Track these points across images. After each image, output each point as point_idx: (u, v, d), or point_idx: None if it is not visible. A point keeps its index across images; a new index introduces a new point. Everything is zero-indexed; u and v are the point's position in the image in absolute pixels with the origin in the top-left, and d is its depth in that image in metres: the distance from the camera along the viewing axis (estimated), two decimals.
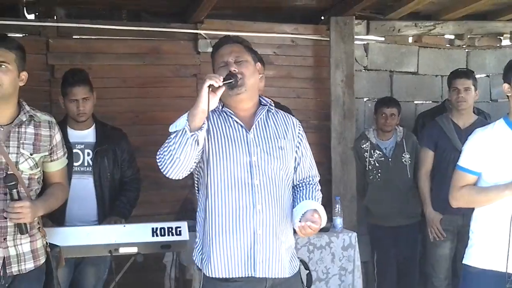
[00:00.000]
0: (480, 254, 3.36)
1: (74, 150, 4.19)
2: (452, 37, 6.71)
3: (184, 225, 3.80)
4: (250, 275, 2.81)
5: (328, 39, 5.90)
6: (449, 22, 6.50)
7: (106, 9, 5.59)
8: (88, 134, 4.27)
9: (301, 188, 3.00)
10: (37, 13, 5.41)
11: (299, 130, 3.02)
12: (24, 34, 5.34)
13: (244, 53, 2.90)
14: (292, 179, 2.98)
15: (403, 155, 5.30)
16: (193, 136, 2.59)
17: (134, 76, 5.54)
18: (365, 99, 6.28)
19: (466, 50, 6.69)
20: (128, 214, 4.30)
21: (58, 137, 3.24)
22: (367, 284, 5.23)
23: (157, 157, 2.74)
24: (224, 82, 2.68)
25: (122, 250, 3.65)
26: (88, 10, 5.54)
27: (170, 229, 3.75)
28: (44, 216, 3.92)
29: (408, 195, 5.22)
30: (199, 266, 2.91)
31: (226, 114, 2.88)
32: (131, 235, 3.68)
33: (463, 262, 3.47)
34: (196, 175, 2.92)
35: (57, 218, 4.03)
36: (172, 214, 5.12)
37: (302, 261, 3.41)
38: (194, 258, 2.97)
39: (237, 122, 2.87)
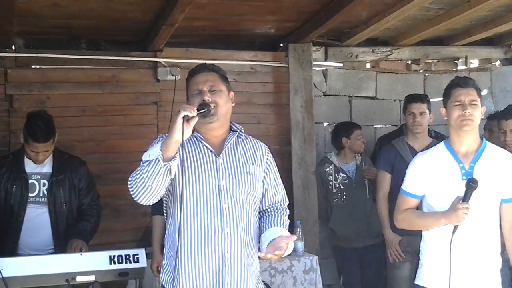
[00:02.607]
0: (428, 274, 3.49)
1: (30, 181, 4.19)
2: (409, 62, 6.85)
3: (141, 252, 3.75)
4: None
5: (287, 65, 5.99)
6: (405, 47, 6.65)
7: (65, 38, 5.59)
8: (45, 164, 4.25)
9: (269, 214, 3.05)
10: None
11: (268, 156, 3.08)
12: None
13: (219, 82, 2.96)
14: (258, 204, 3.03)
15: (364, 167, 5.41)
16: (165, 166, 2.65)
17: (94, 104, 5.54)
18: (325, 124, 6.36)
19: (423, 75, 6.82)
20: (89, 237, 4.29)
21: None
22: None
23: (129, 183, 2.78)
24: (198, 113, 2.73)
25: (79, 279, 3.58)
26: (47, 40, 5.54)
27: (127, 257, 3.69)
28: None
29: (371, 216, 5.29)
30: (165, 287, 2.95)
31: (197, 139, 2.94)
32: (88, 263, 3.62)
33: (415, 282, 3.56)
34: (165, 199, 2.96)
35: (9, 246, 4.07)
36: (134, 241, 5.09)
37: (265, 284, 3.43)
38: (161, 279, 3.00)
39: (207, 147, 2.93)
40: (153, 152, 2.68)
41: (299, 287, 4.72)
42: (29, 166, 4.21)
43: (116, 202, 5.45)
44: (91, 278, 3.61)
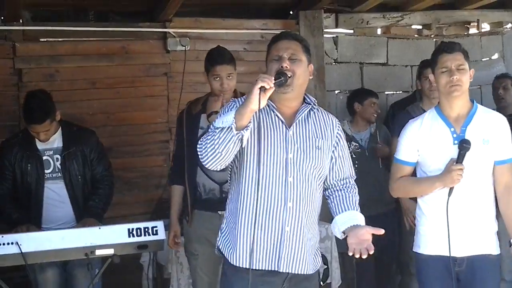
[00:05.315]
0: (425, 241, 3.52)
1: (44, 158, 4.19)
2: (420, 27, 6.77)
3: (160, 225, 3.77)
4: (273, 269, 2.86)
5: (298, 33, 5.90)
6: (416, 12, 6.56)
7: (72, 10, 5.52)
8: (55, 139, 4.23)
9: (340, 193, 3.01)
10: (2, 17, 5.32)
11: (338, 130, 3.02)
12: None
13: (300, 52, 2.88)
14: (324, 179, 2.98)
15: (377, 145, 5.34)
16: (238, 135, 2.62)
17: (103, 77, 5.48)
18: (336, 92, 6.31)
19: (434, 40, 6.74)
20: (102, 213, 4.28)
21: None
22: (345, 274, 5.25)
23: (199, 147, 2.75)
24: (275, 82, 2.67)
25: (98, 252, 3.61)
26: (54, 12, 5.48)
27: (146, 229, 3.71)
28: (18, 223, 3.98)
29: (383, 184, 5.24)
30: (222, 251, 2.95)
31: (269, 107, 2.88)
32: (107, 237, 3.63)
33: (413, 250, 3.61)
34: (230, 165, 2.93)
35: (33, 223, 4.07)
36: (147, 214, 5.09)
37: (322, 255, 3.43)
38: (218, 243, 3.00)
39: (278, 118, 2.88)
40: (226, 120, 2.64)
41: None
42: (41, 144, 4.20)
43: (128, 175, 5.44)
44: (110, 251, 3.63)
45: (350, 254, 2.75)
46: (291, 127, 2.88)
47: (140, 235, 3.69)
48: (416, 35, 6.77)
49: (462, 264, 3.40)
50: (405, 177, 3.56)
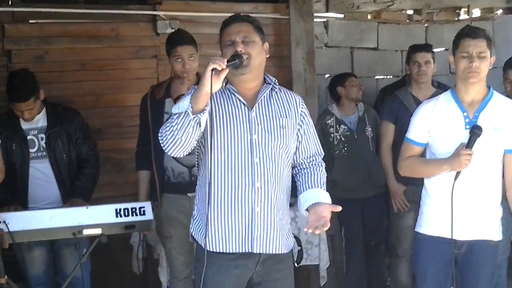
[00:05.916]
0: (428, 222, 3.54)
1: (29, 137, 4.20)
2: (411, 12, 6.77)
3: (148, 205, 3.79)
4: (246, 251, 2.88)
5: (288, 17, 5.89)
6: None
7: None
8: (39, 119, 4.24)
9: (306, 171, 3.03)
10: None
11: (302, 108, 3.04)
12: None
13: (253, 33, 2.88)
14: (291, 157, 3.00)
15: (366, 128, 5.35)
16: (195, 118, 2.63)
17: (92, 59, 5.43)
18: (326, 76, 6.31)
19: (425, 25, 6.75)
20: (89, 193, 4.30)
21: None
22: (334, 256, 5.29)
23: (159, 135, 2.77)
24: (228, 64, 2.68)
25: (86, 232, 3.63)
26: None
27: (134, 210, 3.74)
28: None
29: (373, 167, 5.27)
30: (195, 238, 2.97)
31: (230, 91, 2.90)
32: (94, 217, 3.66)
33: (414, 229, 3.60)
34: (197, 151, 2.96)
35: (20, 203, 4.09)
36: (135, 195, 5.09)
37: (296, 237, 3.44)
38: (190, 230, 3.02)
39: (239, 100, 2.89)
40: (182, 105, 2.67)
41: (303, 237, 4.72)
42: (25, 123, 4.21)
43: (117, 156, 5.42)
44: (98, 231, 3.65)
45: (305, 230, 2.76)
46: (254, 108, 2.89)
47: (128, 215, 3.71)
48: (407, 20, 6.77)
49: (462, 247, 3.44)
50: (414, 156, 3.58)
